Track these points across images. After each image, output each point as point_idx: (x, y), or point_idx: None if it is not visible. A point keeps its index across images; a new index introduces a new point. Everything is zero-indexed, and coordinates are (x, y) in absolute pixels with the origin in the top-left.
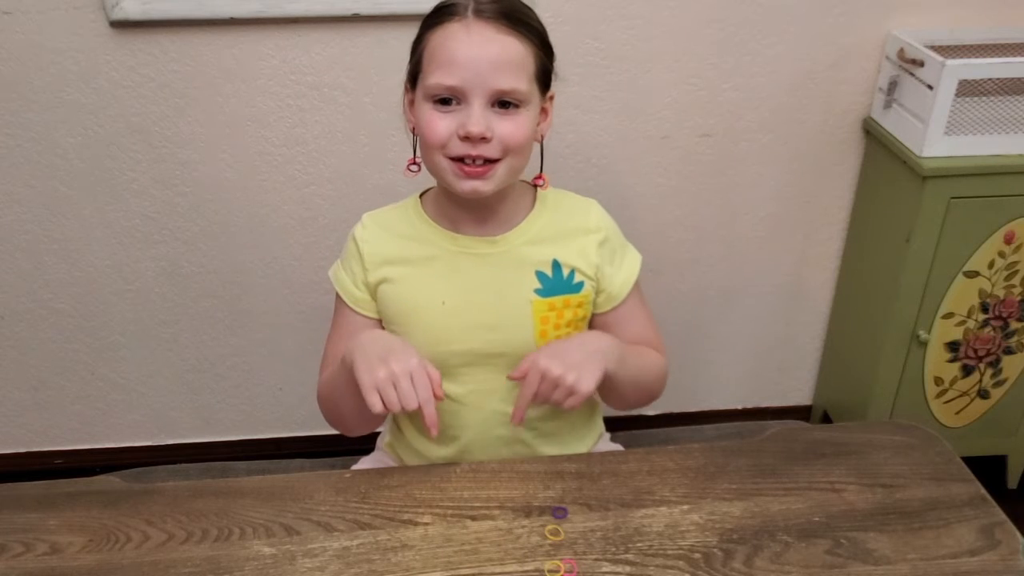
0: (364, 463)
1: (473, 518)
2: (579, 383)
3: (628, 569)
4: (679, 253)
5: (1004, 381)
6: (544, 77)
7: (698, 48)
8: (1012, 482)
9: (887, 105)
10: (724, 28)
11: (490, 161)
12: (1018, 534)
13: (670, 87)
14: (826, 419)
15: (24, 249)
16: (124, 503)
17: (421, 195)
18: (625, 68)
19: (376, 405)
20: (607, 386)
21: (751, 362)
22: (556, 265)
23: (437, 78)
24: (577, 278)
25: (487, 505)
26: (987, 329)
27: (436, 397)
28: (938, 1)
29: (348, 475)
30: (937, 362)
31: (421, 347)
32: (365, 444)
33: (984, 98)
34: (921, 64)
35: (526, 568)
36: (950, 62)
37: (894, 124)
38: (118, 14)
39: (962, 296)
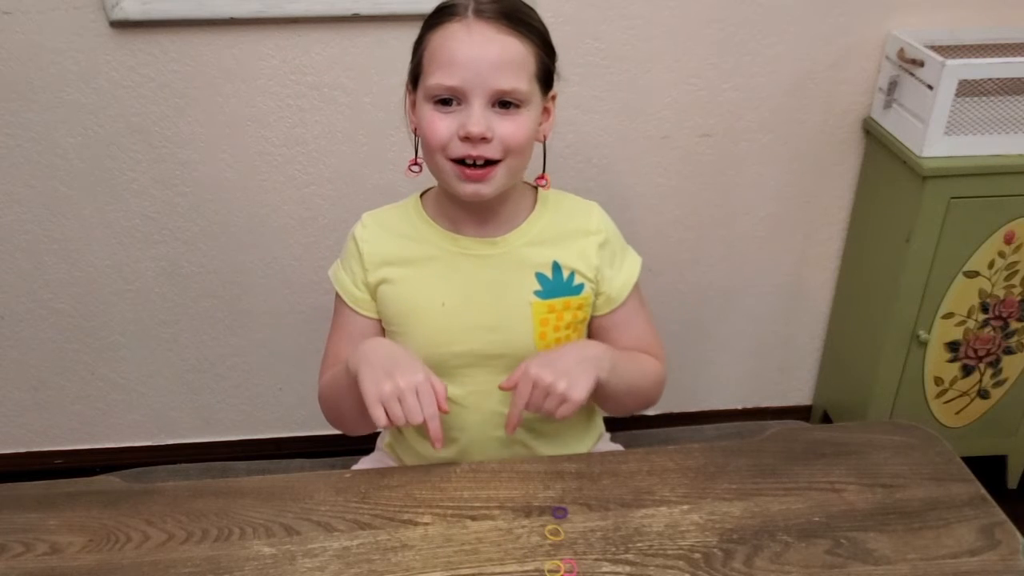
0: (364, 463)
1: (473, 518)
2: (570, 391)
3: (628, 569)
4: (679, 253)
5: (1004, 381)
6: (546, 77)
7: (698, 48)
8: (1012, 482)
9: (887, 105)
10: (724, 28)
11: (491, 162)
12: (1018, 534)
13: (670, 87)
14: (826, 419)
15: (24, 249)
16: (124, 503)
17: (421, 195)
18: (625, 68)
19: (381, 419)
20: (601, 393)
21: (751, 362)
22: (556, 267)
23: (437, 79)
24: (577, 280)
25: (487, 505)
26: (987, 329)
27: (441, 410)
28: (938, 1)
29: (348, 475)
30: (937, 362)
31: (420, 348)
32: (365, 444)
33: (984, 98)
34: (921, 64)
35: (526, 568)
36: (950, 62)
37: (894, 124)
38: (118, 14)
39: (962, 296)
